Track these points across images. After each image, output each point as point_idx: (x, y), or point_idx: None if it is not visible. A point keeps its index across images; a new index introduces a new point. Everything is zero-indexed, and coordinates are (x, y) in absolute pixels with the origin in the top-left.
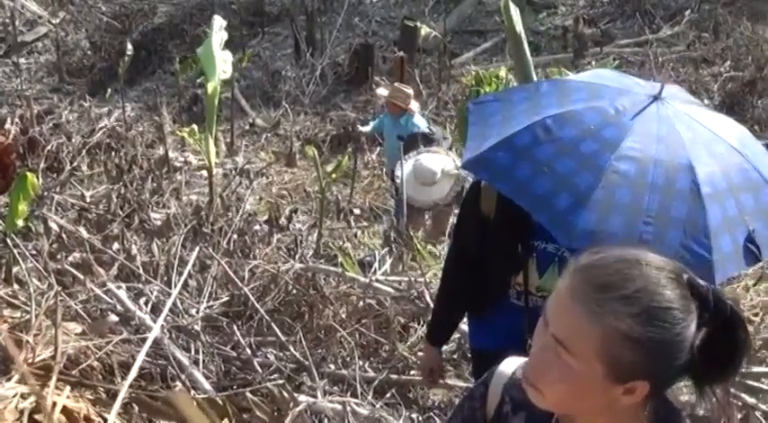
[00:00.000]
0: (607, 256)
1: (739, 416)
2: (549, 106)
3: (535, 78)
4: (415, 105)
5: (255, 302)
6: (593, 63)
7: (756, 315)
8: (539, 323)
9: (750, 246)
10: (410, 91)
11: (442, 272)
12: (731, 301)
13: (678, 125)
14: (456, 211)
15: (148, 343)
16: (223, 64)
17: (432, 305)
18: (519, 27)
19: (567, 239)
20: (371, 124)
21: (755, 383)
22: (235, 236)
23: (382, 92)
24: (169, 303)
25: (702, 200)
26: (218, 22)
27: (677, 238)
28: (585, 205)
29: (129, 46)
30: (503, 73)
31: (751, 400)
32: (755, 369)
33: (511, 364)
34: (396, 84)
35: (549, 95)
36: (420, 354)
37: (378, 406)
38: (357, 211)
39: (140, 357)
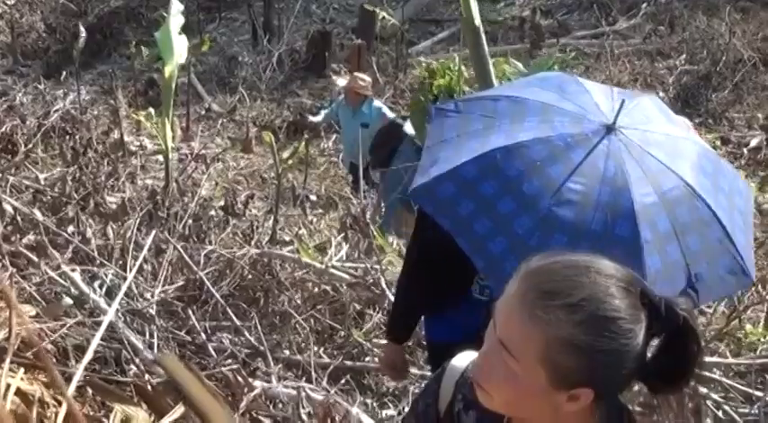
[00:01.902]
0: (558, 261)
1: (690, 405)
2: (501, 133)
3: (492, 71)
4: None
5: (211, 287)
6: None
7: (710, 306)
8: (489, 324)
9: (690, 291)
10: (369, 79)
11: (404, 271)
12: (685, 313)
13: (627, 162)
14: None
15: (103, 327)
16: (180, 48)
17: (387, 292)
18: (477, 20)
19: (500, 286)
20: (323, 113)
21: (707, 373)
22: (190, 221)
23: (341, 82)
24: (124, 287)
25: (641, 248)
26: (176, 7)
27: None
28: (520, 252)
29: (82, 29)
30: (455, 64)
31: (703, 390)
32: (707, 359)
33: (463, 360)
34: (355, 73)
35: (503, 117)
36: (380, 352)
37: (332, 391)
38: (313, 198)
39: (95, 341)
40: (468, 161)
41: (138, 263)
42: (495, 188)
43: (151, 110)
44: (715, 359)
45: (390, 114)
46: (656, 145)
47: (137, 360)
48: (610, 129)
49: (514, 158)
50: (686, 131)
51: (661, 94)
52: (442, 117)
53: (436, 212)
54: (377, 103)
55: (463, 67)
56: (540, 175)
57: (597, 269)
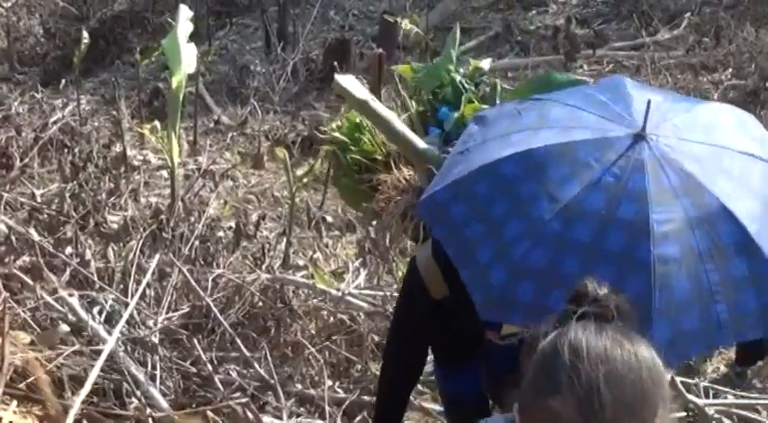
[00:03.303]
0: (598, 376)
1: None
2: (539, 201)
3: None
4: None
5: (218, 314)
6: (585, 67)
7: None
8: None
9: None
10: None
11: (388, 351)
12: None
13: (683, 161)
14: None
15: (103, 356)
16: (188, 57)
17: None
18: (361, 94)
19: None
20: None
21: (755, 417)
22: (197, 242)
23: None
24: (126, 314)
25: (755, 242)
26: (185, 12)
27: (753, 301)
28: (654, 318)
29: (85, 34)
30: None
31: None
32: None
33: None
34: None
35: (527, 182)
36: None
37: None
38: (329, 219)
39: (94, 372)
40: (529, 249)
41: (141, 288)
42: (578, 264)
43: (156, 122)
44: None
45: None
46: (692, 131)
47: (138, 392)
48: (640, 136)
49: (576, 221)
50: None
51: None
52: (443, 213)
53: (526, 318)
54: None
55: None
56: (618, 224)
57: (624, 347)
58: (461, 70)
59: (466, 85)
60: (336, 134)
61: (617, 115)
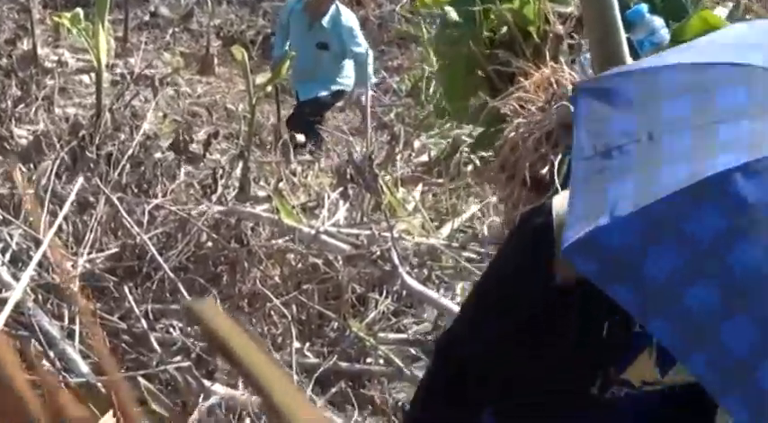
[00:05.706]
0: None
1: None
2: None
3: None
4: None
5: (157, 256)
6: None
7: None
8: None
9: None
10: None
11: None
12: None
13: None
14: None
15: (8, 307)
16: None
17: (400, 269)
18: None
19: None
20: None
21: None
22: (129, 165)
23: None
24: (38, 254)
25: None
26: None
27: None
28: None
29: None
30: None
31: None
32: None
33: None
34: None
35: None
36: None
37: (320, 403)
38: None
39: None
40: None
41: (57, 221)
42: None
43: (79, 10)
44: None
45: (361, 43)
46: None
47: (51, 353)
48: None
49: None
50: None
51: None
52: (636, 273)
53: None
54: (346, 15)
55: None
56: None
57: None
58: None
59: None
60: None
61: None
